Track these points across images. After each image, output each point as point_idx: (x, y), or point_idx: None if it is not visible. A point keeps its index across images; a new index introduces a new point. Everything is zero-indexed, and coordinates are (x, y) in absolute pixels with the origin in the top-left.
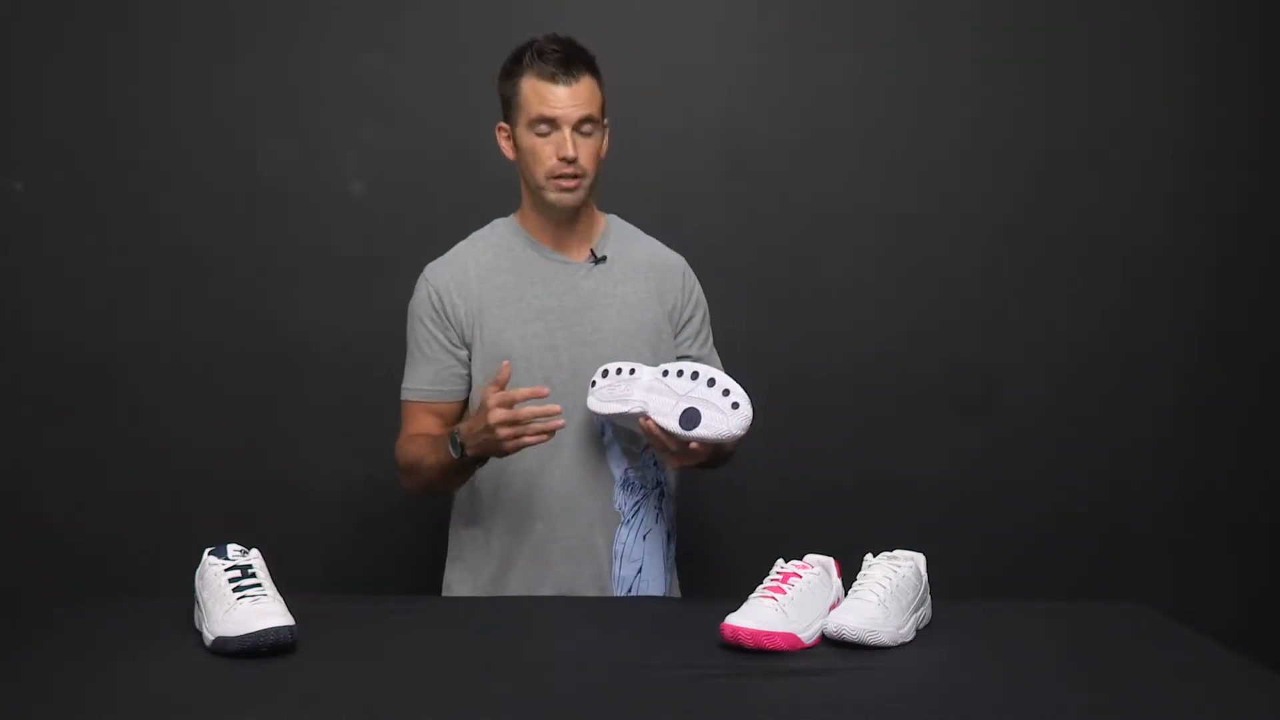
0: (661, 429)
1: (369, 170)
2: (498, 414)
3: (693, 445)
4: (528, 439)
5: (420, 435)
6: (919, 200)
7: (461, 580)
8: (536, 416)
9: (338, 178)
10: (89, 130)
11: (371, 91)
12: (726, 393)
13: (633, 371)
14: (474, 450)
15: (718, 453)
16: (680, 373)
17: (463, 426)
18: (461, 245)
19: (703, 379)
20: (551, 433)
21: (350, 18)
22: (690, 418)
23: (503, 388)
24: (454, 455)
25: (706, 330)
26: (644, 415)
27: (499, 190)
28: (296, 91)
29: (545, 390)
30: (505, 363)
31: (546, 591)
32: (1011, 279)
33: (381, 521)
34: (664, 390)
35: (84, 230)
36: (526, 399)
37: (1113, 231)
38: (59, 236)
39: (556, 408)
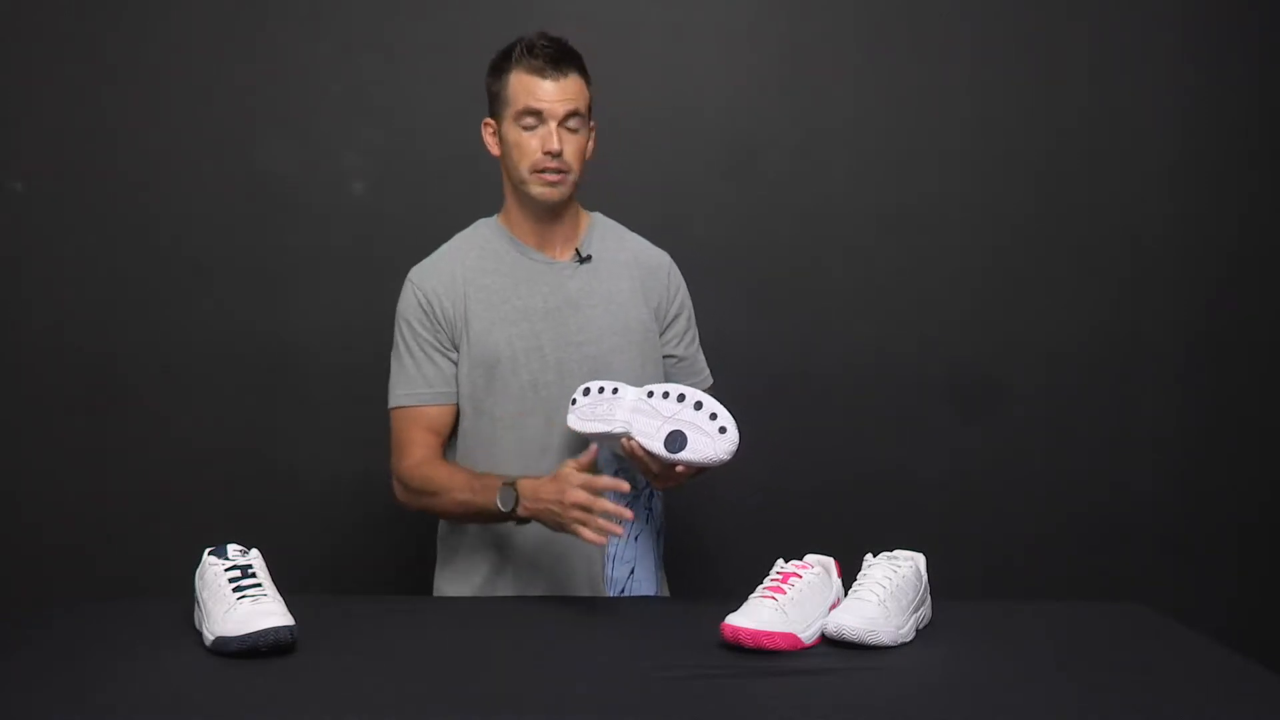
0: (645, 450)
1: (369, 170)
2: (578, 495)
3: (679, 469)
4: (586, 533)
5: (443, 464)
6: (919, 200)
7: (451, 583)
8: (609, 514)
9: (338, 178)
10: (89, 130)
11: (371, 91)
12: (714, 416)
13: (615, 391)
14: (529, 512)
15: (699, 472)
16: (666, 394)
17: (524, 485)
18: (445, 247)
19: (689, 401)
20: (607, 537)
21: (350, 18)
22: (676, 440)
23: (586, 469)
24: (502, 509)
25: (693, 330)
26: (627, 436)
27: (499, 190)
28: (296, 91)
29: (627, 486)
30: (593, 447)
31: (538, 593)
32: (1012, 279)
33: (383, 521)
34: (649, 411)
35: (84, 230)
36: (609, 489)
37: (1113, 231)
38: (59, 236)
39: (629, 514)
